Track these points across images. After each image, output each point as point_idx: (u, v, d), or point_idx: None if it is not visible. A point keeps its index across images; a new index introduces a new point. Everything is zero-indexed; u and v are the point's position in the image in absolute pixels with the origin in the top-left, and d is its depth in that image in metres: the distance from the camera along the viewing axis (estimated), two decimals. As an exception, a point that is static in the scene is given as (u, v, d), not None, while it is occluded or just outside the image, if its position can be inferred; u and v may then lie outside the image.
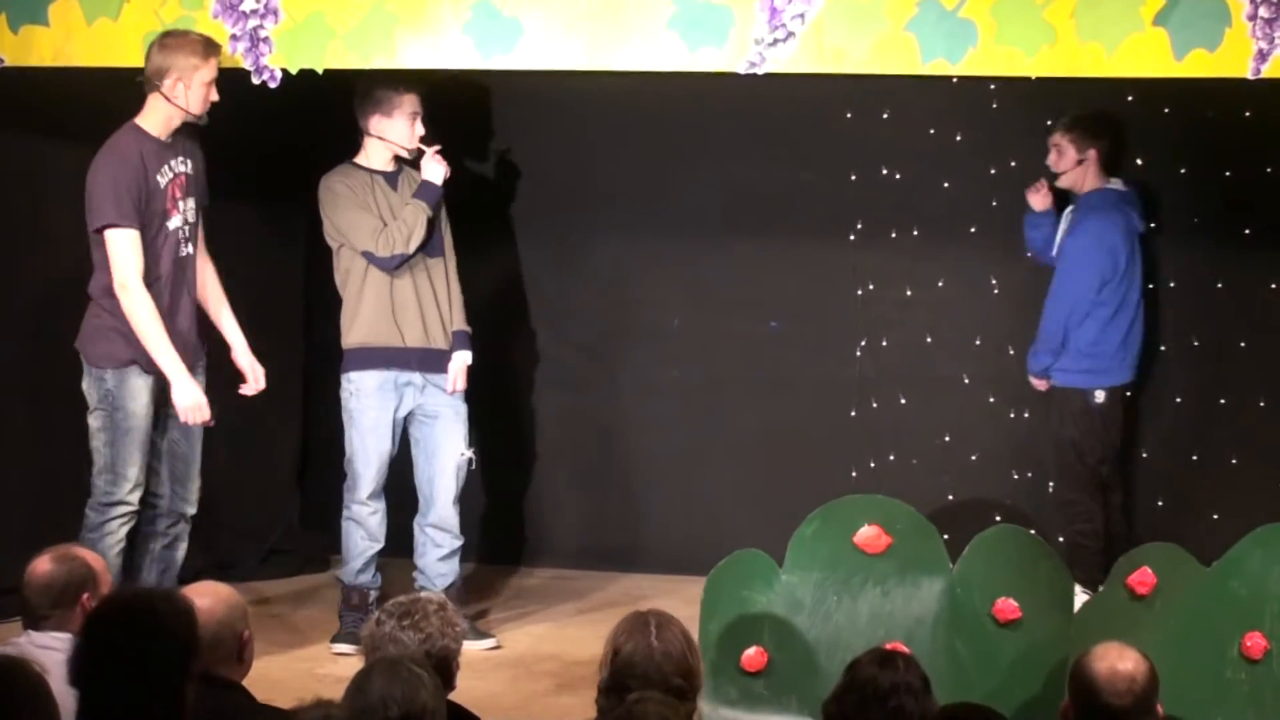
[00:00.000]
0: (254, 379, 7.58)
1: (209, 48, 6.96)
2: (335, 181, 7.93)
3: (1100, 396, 8.15)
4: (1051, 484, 8.53)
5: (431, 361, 7.96)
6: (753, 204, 8.97)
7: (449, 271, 8.06)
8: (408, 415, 7.99)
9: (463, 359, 8.00)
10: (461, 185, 8.50)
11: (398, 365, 7.91)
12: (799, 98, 8.53)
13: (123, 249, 7.05)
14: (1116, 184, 8.26)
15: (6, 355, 8.15)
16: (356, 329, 7.92)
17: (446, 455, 7.99)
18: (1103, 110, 8.25)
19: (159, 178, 7.13)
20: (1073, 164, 8.22)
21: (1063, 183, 8.29)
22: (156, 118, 7.12)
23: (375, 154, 7.99)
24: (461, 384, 7.99)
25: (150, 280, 7.12)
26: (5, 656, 4.37)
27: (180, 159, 7.20)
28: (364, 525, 7.94)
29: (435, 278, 7.97)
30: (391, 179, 8.00)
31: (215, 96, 7.08)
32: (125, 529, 7.19)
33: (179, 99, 7.02)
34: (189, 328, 7.31)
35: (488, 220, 9.18)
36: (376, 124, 7.93)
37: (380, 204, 7.90)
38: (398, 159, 8.01)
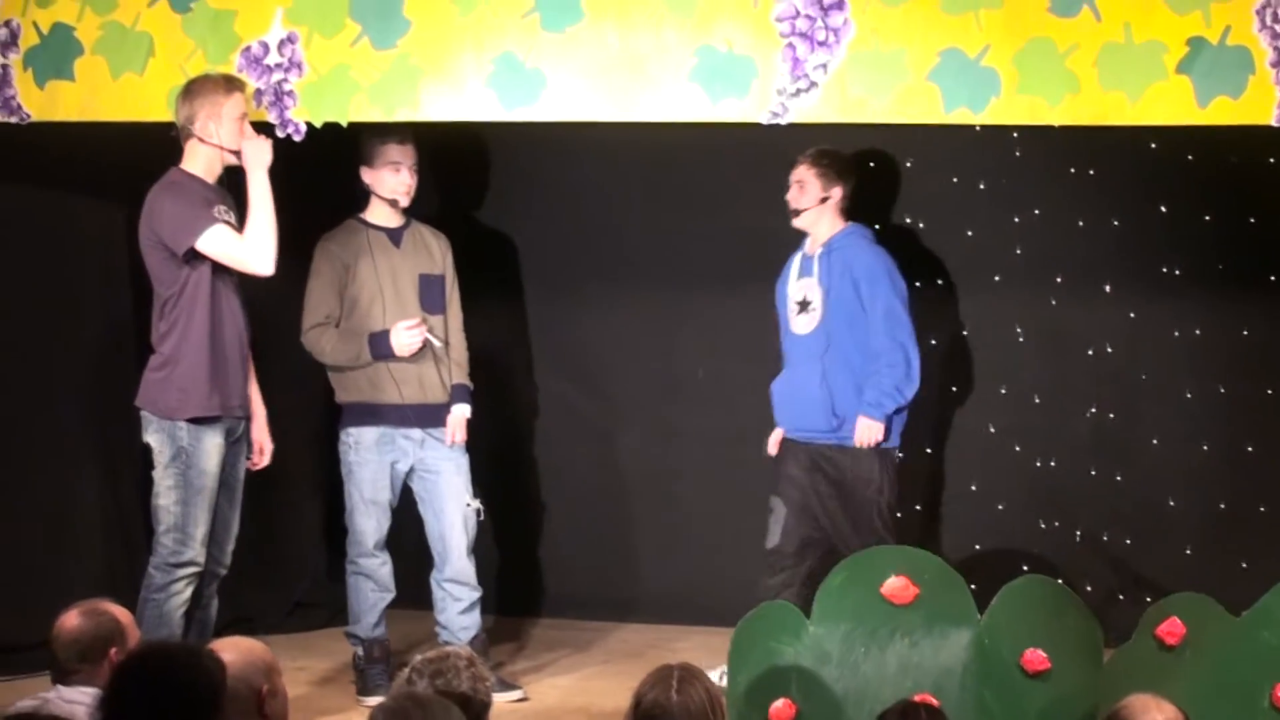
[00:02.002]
0: (262, 455, 7.50)
1: (230, 83, 6.95)
2: (325, 248, 7.87)
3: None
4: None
5: (430, 416, 7.93)
6: (773, 252, 8.94)
7: (450, 326, 8.04)
8: (409, 471, 7.97)
9: (461, 412, 7.97)
10: (471, 236, 8.52)
11: (395, 421, 7.89)
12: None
13: (225, 240, 6.99)
14: (860, 226, 8.08)
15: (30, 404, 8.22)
16: (353, 385, 7.92)
17: (454, 509, 7.96)
18: (843, 152, 8.07)
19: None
20: (815, 202, 7.99)
21: (800, 222, 8.04)
22: (199, 162, 7.07)
23: (378, 208, 7.99)
24: (460, 436, 7.97)
25: (214, 323, 7.06)
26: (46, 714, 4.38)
27: (226, 208, 7.11)
28: (373, 577, 7.92)
29: (434, 333, 7.94)
30: (395, 235, 7.98)
31: (251, 133, 7.04)
32: (191, 588, 7.07)
33: (213, 137, 6.99)
34: (243, 379, 7.25)
35: (497, 270, 9.20)
36: (365, 173, 7.95)
37: (379, 264, 7.88)
38: (405, 213, 8.02)
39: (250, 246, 7.02)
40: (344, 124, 6.99)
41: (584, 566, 9.43)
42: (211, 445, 7.10)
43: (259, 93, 6.98)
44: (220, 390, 7.11)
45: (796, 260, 8.10)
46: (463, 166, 9.14)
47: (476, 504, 7.98)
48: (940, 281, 8.81)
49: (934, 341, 8.79)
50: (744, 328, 9.00)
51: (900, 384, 7.85)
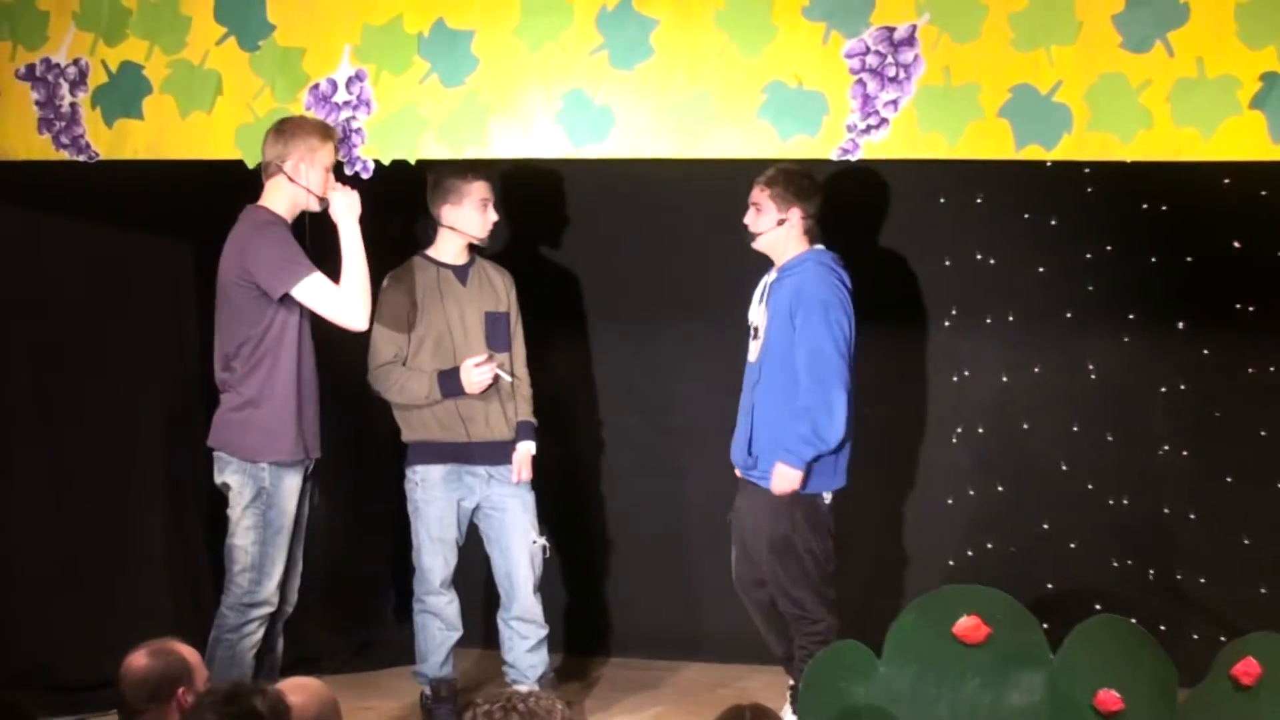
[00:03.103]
0: None
1: (327, 131, 6.95)
2: (392, 286, 7.81)
3: (828, 498, 7.72)
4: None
5: (495, 454, 7.92)
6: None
7: (514, 363, 8.02)
8: (475, 509, 7.95)
9: (527, 449, 7.95)
10: (536, 271, 8.50)
11: (462, 459, 7.88)
12: (891, 181, 8.52)
13: (322, 291, 6.98)
14: (822, 250, 7.77)
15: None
16: (419, 423, 7.90)
17: (519, 547, 7.93)
18: (809, 172, 7.75)
19: None
20: (772, 225, 7.75)
21: (760, 245, 7.80)
22: (281, 201, 7.06)
23: (446, 245, 7.95)
24: (526, 474, 7.94)
25: (300, 365, 7.07)
26: None
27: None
28: (441, 615, 7.90)
29: (503, 369, 7.92)
30: (462, 273, 7.95)
31: (335, 184, 7.04)
32: (263, 629, 7.09)
33: (303, 179, 6.98)
34: (316, 415, 7.22)
35: (563, 306, 9.19)
36: (447, 213, 7.90)
37: (448, 301, 7.87)
38: (472, 249, 8.00)
39: (346, 300, 7.00)
40: (412, 162, 7.00)
41: (651, 604, 9.38)
42: (292, 486, 7.10)
43: (326, 130, 7.01)
44: (304, 433, 7.12)
45: (760, 285, 7.93)
46: (529, 202, 9.13)
47: (543, 541, 7.96)
48: (1011, 318, 8.75)
49: (1005, 379, 8.75)
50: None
51: (820, 429, 7.50)
